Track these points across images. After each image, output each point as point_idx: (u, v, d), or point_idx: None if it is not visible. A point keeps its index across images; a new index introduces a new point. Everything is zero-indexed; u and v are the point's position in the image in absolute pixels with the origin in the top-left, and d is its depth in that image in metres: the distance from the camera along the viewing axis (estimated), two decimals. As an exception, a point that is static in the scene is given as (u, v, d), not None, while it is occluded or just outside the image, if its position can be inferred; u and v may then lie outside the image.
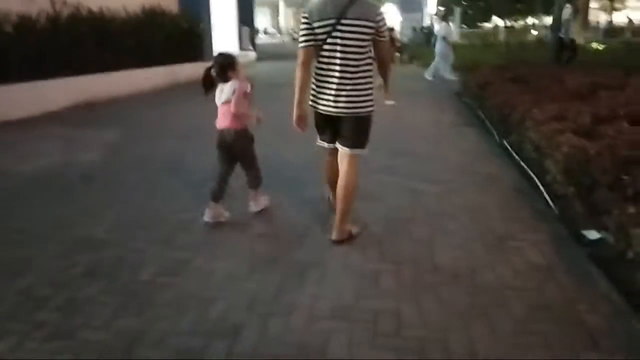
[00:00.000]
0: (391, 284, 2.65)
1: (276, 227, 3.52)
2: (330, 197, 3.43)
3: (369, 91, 2.95)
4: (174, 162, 5.07)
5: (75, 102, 8.43)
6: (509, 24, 51.88)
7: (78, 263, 2.88)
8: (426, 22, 36.07)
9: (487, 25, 49.98)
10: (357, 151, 3.03)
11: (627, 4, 43.59)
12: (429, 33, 28.43)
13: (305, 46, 2.91)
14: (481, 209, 3.70)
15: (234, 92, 3.24)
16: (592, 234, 3.15)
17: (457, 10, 39.07)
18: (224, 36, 18.38)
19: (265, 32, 50.64)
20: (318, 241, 3.16)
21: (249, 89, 3.36)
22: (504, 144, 5.51)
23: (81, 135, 6.27)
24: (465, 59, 14.88)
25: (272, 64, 16.42)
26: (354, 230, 3.20)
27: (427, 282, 2.66)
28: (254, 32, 22.11)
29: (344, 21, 2.82)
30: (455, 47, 20.38)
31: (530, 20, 47.08)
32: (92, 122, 7.27)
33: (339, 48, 2.85)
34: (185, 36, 12.19)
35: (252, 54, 19.36)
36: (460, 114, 7.65)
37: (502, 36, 36.27)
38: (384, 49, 3.04)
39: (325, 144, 3.18)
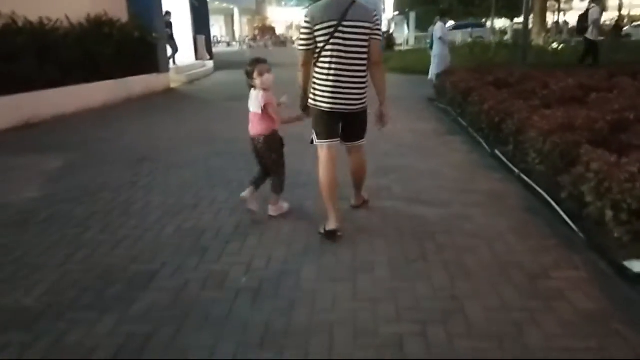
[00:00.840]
0: (419, 352, 2.06)
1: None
2: (330, 221, 3.25)
3: (366, 88, 3.19)
4: (127, 195, 4.33)
5: (13, 124, 7.47)
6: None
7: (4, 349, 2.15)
8: (384, 27, 36.10)
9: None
10: (362, 142, 3.41)
11: (573, 4, 45.27)
12: (388, 38, 28.40)
13: (306, 50, 3.08)
14: (498, 238, 3.18)
15: (259, 103, 3.39)
16: (637, 266, 2.69)
17: (412, 15, 39.46)
18: (180, 46, 17.51)
19: (218, 41, 49.64)
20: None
21: (272, 101, 3.42)
22: (497, 155, 5.07)
23: (19, 164, 5.41)
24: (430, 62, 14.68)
25: (230, 74, 15.65)
26: (366, 196, 3.76)
27: (463, 350, 2.09)
28: (210, 41, 21.28)
29: (345, 23, 2.98)
30: (415, 51, 20.33)
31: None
32: (34, 146, 6.38)
33: (343, 48, 3.01)
34: (137, 46, 11.31)
35: (209, 64, 18.53)
36: (440, 121, 7.21)
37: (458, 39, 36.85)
38: (377, 47, 3.15)
39: (327, 142, 3.23)
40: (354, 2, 3.03)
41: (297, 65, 3.17)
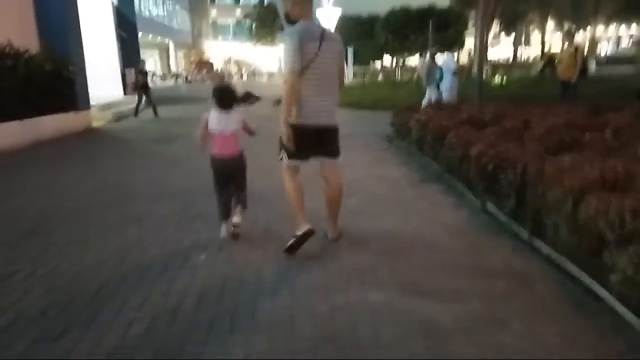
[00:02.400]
0: None
1: None
2: (299, 224, 3.36)
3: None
4: (11, 287, 2.92)
5: None
6: (395, 61, 54.41)
7: None
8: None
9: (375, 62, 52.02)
10: (340, 159, 3.47)
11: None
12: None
13: (296, 68, 3.08)
14: (558, 363, 2.12)
15: (238, 120, 3.57)
16: None
17: (350, 50, 39.83)
18: (105, 80, 15.92)
19: (153, 75, 47.71)
20: None
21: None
22: (491, 211, 4.12)
23: None
24: (377, 97, 14.06)
25: (163, 110, 14.18)
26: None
27: None
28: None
29: (324, 43, 3.15)
30: (360, 87, 19.89)
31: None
32: None
33: (324, 66, 3.17)
34: (49, 81, 9.73)
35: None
36: (407, 165, 6.26)
37: (397, 73, 37.39)
38: (343, 67, 3.38)
39: (299, 162, 3.37)
40: (324, 28, 3.34)
41: (284, 88, 3.16)
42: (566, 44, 10.31)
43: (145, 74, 13.99)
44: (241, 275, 3.08)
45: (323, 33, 3.17)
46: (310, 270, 3.13)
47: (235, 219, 3.69)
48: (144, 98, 13.74)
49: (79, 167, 6.89)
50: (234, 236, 3.64)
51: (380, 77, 34.02)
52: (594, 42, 45.13)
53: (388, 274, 3.04)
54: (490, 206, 4.20)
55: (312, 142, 3.28)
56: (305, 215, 3.35)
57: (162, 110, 13.92)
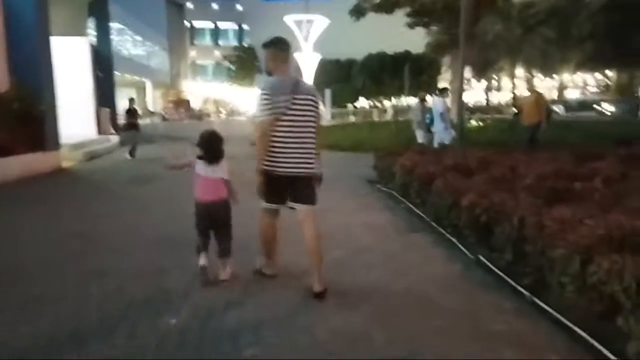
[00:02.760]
0: None
1: None
2: (262, 265, 3.75)
3: (314, 153, 3.49)
4: None
5: None
6: (372, 104, 55.50)
7: None
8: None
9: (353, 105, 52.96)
10: (315, 206, 3.53)
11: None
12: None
13: (267, 118, 3.30)
14: None
15: (224, 170, 3.60)
16: None
17: (328, 92, 40.47)
18: (78, 119, 15.52)
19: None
20: None
21: None
22: (485, 264, 3.89)
23: None
24: (357, 139, 14.03)
25: (138, 150, 13.77)
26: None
27: None
28: (116, 114, 19.36)
29: (297, 96, 3.36)
30: (339, 127, 19.95)
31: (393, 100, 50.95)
32: None
33: (297, 118, 3.35)
34: (15, 120, 9.32)
35: (114, 139, 16.57)
36: (392, 210, 6.03)
37: (374, 115, 37.99)
38: (319, 119, 3.53)
39: (275, 206, 3.53)
40: (298, 79, 3.53)
41: (256, 135, 3.42)
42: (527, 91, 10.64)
43: (135, 111, 13.50)
44: (217, 342, 2.73)
45: (297, 86, 3.38)
46: (294, 333, 2.81)
47: (223, 275, 3.63)
48: (136, 136, 13.18)
49: (43, 211, 6.43)
50: (204, 283, 3.57)
51: (356, 119, 34.39)
52: (561, 89, 47.03)
53: (384, 343, 2.72)
54: (484, 259, 3.97)
55: (284, 188, 3.44)
56: (272, 259, 3.72)
57: (138, 150, 13.53)
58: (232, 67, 52.33)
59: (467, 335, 2.80)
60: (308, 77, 38.93)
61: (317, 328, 2.88)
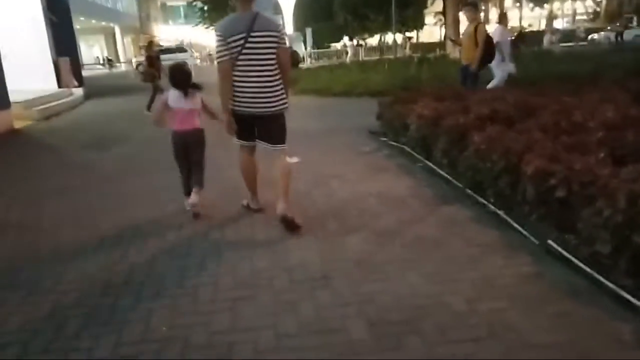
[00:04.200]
0: None
1: None
2: (249, 200, 3.92)
3: (282, 91, 3.48)
4: None
5: None
6: (355, 42, 53.12)
7: None
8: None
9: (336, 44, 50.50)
10: (283, 147, 3.58)
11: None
12: (292, 54, 26.35)
13: (224, 60, 3.34)
14: None
15: (197, 99, 3.84)
16: None
17: (309, 31, 38.17)
18: (33, 72, 13.79)
19: (101, 63, 44.44)
20: None
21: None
22: (558, 252, 2.83)
23: None
24: (348, 82, 12.65)
25: (106, 103, 12.28)
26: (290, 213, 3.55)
27: None
28: (79, 64, 17.48)
29: (252, 34, 3.31)
30: (330, 69, 18.28)
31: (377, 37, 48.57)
32: None
33: (254, 57, 3.34)
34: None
35: (77, 92, 14.90)
36: (409, 173, 4.88)
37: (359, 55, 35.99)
38: (285, 54, 3.53)
39: (246, 143, 3.66)
40: (257, 14, 3.37)
41: (218, 77, 3.39)
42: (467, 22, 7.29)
43: (158, 57, 10.99)
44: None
45: (253, 23, 3.30)
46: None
47: (192, 198, 3.79)
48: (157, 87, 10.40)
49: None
50: (195, 215, 3.83)
51: (346, 59, 32.44)
52: (550, 18, 45.28)
53: None
54: (559, 248, 2.90)
55: (250, 127, 3.54)
56: (255, 193, 3.87)
57: (104, 104, 12.03)
58: (205, 8, 48.95)
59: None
60: (287, 16, 36.52)
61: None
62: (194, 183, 3.83)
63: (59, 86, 14.77)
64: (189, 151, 3.82)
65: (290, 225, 3.41)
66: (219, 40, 3.31)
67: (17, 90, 12.18)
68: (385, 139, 6.43)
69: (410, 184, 4.52)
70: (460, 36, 7.37)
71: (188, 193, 3.84)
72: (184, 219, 3.85)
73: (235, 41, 3.26)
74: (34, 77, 14.02)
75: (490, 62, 7.30)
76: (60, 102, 12.64)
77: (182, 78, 3.74)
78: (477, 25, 7.16)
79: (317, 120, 8.45)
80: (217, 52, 3.34)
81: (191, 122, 3.82)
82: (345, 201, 4.11)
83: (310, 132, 7.23)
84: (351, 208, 3.92)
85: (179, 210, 4.00)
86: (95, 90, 16.82)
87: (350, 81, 12.81)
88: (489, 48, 7.03)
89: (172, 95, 3.75)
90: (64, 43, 16.05)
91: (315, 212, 3.88)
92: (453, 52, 17.06)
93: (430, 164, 4.84)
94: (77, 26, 25.28)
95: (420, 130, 5.01)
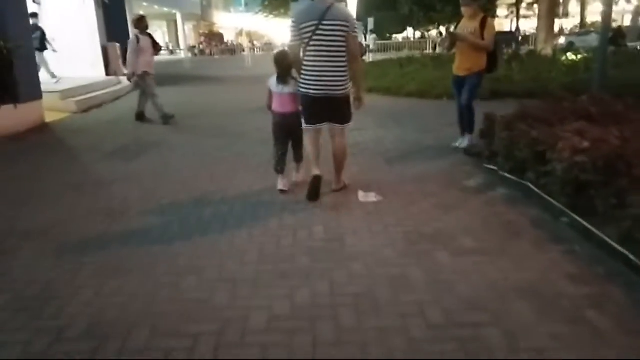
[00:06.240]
0: None
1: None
2: (313, 170, 4.09)
3: (346, 77, 3.74)
4: None
5: None
6: (419, 34, 50.35)
7: None
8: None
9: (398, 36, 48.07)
10: (347, 125, 3.97)
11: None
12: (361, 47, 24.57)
13: (293, 44, 3.74)
14: None
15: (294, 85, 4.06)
16: None
17: (371, 21, 36.06)
18: (81, 58, 12.90)
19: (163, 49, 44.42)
20: None
21: None
22: None
23: None
24: (424, 81, 10.80)
25: (163, 93, 11.02)
26: (347, 180, 4.21)
27: None
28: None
29: (324, 22, 3.58)
30: (401, 64, 16.31)
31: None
32: None
33: (324, 43, 3.61)
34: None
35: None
36: (559, 240, 3.11)
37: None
38: (354, 43, 3.73)
39: (313, 126, 3.96)
40: (332, 5, 3.62)
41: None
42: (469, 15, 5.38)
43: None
44: None
45: (326, 13, 3.58)
46: None
47: (296, 177, 4.44)
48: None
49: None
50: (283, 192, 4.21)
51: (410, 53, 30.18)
52: (637, 13, 40.24)
53: None
54: None
55: (318, 109, 3.82)
56: (318, 165, 4.06)
57: (162, 94, 10.77)
58: (265, -3, 47.89)
59: None
60: (351, 4, 34.61)
61: None
62: (295, 158, 4.41)
63: (107, 74, 13.85)
64: (290, 131, 4.20)
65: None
66: (292, 26, 3.70)
67: (65, 78, 11.32)
68: (493, 167, 4.65)
69: (574, 268, 2.74)
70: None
71: (280, 171, 4.24)
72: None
73: (306, 27, 3.61)
74: (81, 63, 13.17)
75: (496, 68, 5.57)
76: (104, 91, 11.57)
77: (282, 67, 4.01)
78: (484, 18, 5.28)
79: (393, 132, 6.73)
80: (290, 37, 3.76)
81: (288, 105, 4.11)
82: (471, 305, 2.41)
83: (388, 151, 5.56)
84: (489, 329, 2.22)
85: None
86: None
87: (426, 79, 10.95)
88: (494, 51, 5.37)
89: (273, 81, 4.11)
90: (116, 27, 15.16)
91: (423, 334, 2.21)
92: (545, 48, 14.66)
93: (584, 223, 3.03)
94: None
95: (572, 171, 3.20)
